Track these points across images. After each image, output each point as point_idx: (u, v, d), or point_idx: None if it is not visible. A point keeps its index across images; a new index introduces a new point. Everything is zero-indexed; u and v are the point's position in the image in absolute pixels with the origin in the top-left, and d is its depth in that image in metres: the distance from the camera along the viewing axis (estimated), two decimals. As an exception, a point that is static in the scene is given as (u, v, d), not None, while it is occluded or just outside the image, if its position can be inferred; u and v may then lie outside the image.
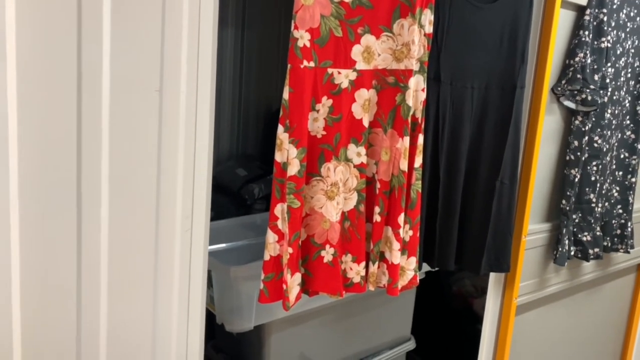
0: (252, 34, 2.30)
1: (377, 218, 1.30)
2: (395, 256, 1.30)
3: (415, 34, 1.25)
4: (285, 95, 1.19)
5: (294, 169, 1.20)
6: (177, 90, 0.98)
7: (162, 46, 0.96)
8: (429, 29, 1.29)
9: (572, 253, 1.82)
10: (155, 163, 0.97)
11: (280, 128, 1.20)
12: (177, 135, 0.99)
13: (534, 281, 1.79)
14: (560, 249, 1.76)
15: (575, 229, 1.81)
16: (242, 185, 2.09)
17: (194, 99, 1.01)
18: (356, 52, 1.23)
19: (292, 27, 1.17)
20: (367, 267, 1.32)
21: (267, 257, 1.23)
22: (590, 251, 1.83)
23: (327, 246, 1.26)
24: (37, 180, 0.87)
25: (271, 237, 1.22)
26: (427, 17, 1.28)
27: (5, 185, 0.84)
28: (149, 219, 0.97)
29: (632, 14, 1.78)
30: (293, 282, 1.22)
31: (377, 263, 1.31)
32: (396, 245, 1.29)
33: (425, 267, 1.55)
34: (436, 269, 1.56)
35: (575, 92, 1.69)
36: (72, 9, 0.86)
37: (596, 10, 1.67)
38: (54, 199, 0.88)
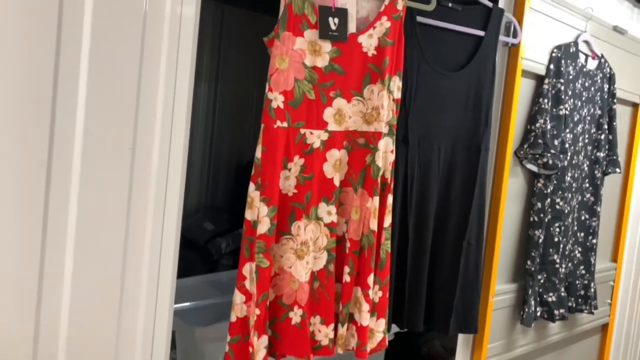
0: (225, 88, 2.35)
1: (346, 278, 1.29)
2: (365, 318, 1.28)
3: (385, 99, 1.30)
4: (258, 153, 1.20)
5: (264, 227, 1.19)
6: (150, 147, 0.98)
7: (138, 103, 0.97)
8: (398, 94, 1.35)
9: (539, 314, 1.84)
10: (124, 221, 0.95)
11: (251, 186, 1.21)
12: (148, 191, 0.98)
13: (502, 342, 1.79)
14: (526, 309, 1.78)
15: (540, 290, 1.84)
16: (209, 239, 2.06)
17: (167, 154, 1.01)
18: (328, 114, 1.27)
19: (267, 89, 1.20)
20: (335, 329, 1.30)
21: (233, 318, 1.19)
22: (556, 312, 1.85)
23: (296, 307, 1.24)
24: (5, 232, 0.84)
25: (238, 297, 1.20)
26: (396, 84, 1.33)
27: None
28: (115, 278, 0.95)
29: (586, 84, 1.90)
30: (260, 344, 1.19)
31: (346, 325, 1.29)
32: (365, 307, 1.28)
33: (394, 328, 1.54)
34: (405, 330, 1.55)
35: (537, 156, 1.77)
36: (49, 65, 0.86)
37: (554, 80, 1.77)
38: (19, 252, 0.85)
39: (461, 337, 1.70)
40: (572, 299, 1.95)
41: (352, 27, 1.28)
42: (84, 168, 0.91)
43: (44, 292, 0.89)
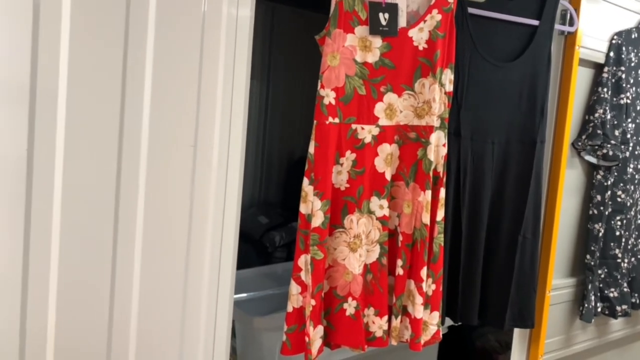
0: (276, 86, 2.40)
1: (399, 271, 1.30)
2: (418, 310, 1.29)
3: (436, 92, 1.30)
4: (311, 149, 1.23)
5: (318, 220, 1.22)
6: (211, 144, 1.03)
7: (198, 103, 1.02)
8: (449, 87, 1.34)
9: (599, 309, 1.78)
10: (187, 215, 1.01)
11: (305, 181, 1.24)
12: (209, 187, 1.04)
13: (560, 338, 1.74)
14: (586, 305, 1.73)
15: (601, 285, 1.78)
16: (263, 233, 2.12)
17: (226, 152, 1.06)
18: (379, 109, 1.28)
19: (319, 86, 1.23)
20: (389, 321, 1.32)
21: (290, 308, 1.23)
22: (618, 308, 1.78)
23: (350, 299, 1.27)
24: (77, 223, 0.91)
25: (294, 288, 1.24)
26: (447, 77, 1.33)
27: (48, 232, 0.88)
28: (179, 269, 1.01)
29: (650, 71, 1.81)
30: (315, 334, 1.22)
31: (399, 317, 1.31)
32: (419, 299, 1.29)
33: (448, 322, 1.54)
34: (459, 323, 1.54)
35: (596, 147, 1.71)
36: (117, 67, 0.93)
37: (614, 68, 1.71)
38: (91, 242, 0.92)
39: (517, 332, 1.67)
40: (636, 294, 1.87)
41: (402, 22, 1.28)
42: (150, 165, 0.98)
43: (116, 282, 0.96)
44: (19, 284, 0.87)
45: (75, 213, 0.91)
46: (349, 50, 1.23)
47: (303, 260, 1.23)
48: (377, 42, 1.26)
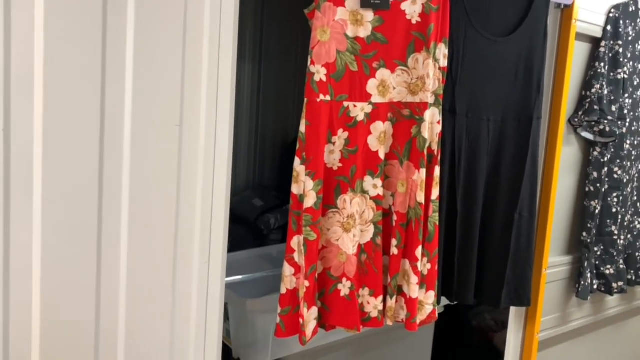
0: (269, 66, 2.35)
1: (394, 251, 1.28)
2: (414, 290, 1.28)
3: (430, 67, 1.26)
4: (302, 128, 1.20)
5: (310, 201, 1.20)
6: (197, 125, 1.00)
7: (183, 82, 0.98)
8: (444, 62, 1.31)
9: (595, 287, 1.77)
10: (174, 195, 0.98)
11: (297, 160, 1.21)
12: (196, 168, 1.01)
13: (556, 316, 1.74)
14: (582, 282, 1.72)
15: (597, 262, 1.77)
16: (258, 215, 2.10)
17: (213, 132, 1.03)
18: (371, 85, 1.25)
19: (309, 63, 1.19)
20: (384, 301, 1.30)
21: (283, 290, 1.22)
22: (614, 285, 1.78)
23: (344, 279, 1.25)
24: (61, 209, 0.88)
25: (288, 270, 1.22)
26: (442, 51, 1.29)
27: (29, 217, 0.85)
28: (167, 252, 0.98)
29: (647, 45, 1.78)
30: (310, 316, 1.21)
31: (394, 297, 1.29)
32: (414, 279, 1.27)
33: (444, 301, 1.53)
34: (455, 302, 1.53)
35: (593, 123, 1.68)
36: (97, 49, 0.89)
37: (611, 42, 1.67)
38: (76, 226, 0.90)
39: (513, 310, 1.67)
40: (632, 271, 1.87)
41: (394, -5, 1.24)
42: (134, 146, 0.94)
43: (102, 266, 0.93)
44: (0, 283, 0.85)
45: (57, 197, 0.88)
46: (339, 24, 1.20)
47: (296, 242, 1.21)
48: (369, 15, 1.22)
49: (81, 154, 0.89)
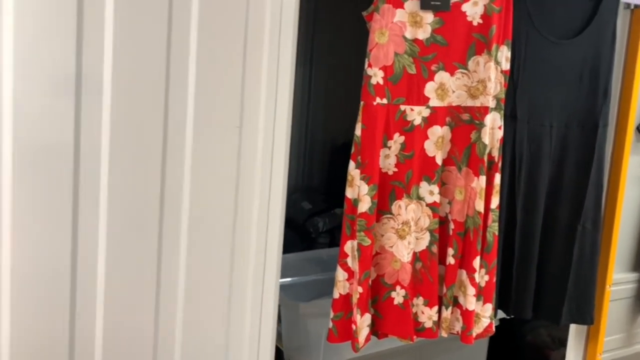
0: (319, 69, 2.36)
1: (450, 260, 1.24)
2: (470, 302, 1.23)
3: (492, 70, 1.22)
4: (358, 131, 1.18)
5: (365, 205, 1.18)
6: (256, 126, 1.00)
7: (243, 84, 0.99)
8: (506, 65, 1.26)
9: (665, 306, 1.66)
10: (233, 196, 0.99)
11: (351, 164, 1.20)
12: (254, 169, 1.01)
13: (620, 336, 1.64)
14: (650, 301, 1.62)
15: (667, 280, 1.66)
16: (307, 218, 2.10)
17: (271, 134, 1.03)
18: (430, 89, 1.22)
19: (366, 65, 1.18)
20: (439, 311, 1.26)
21: (336, 295, 1.20)
22: (686, 305, 1.66)
23: (398, 287, 1.22)
24: (124, 209, 0.90)
25: (341, 274, 1.20)
26: (504, 54, 1.25)
27: (96, 216, 0.87)
28: (225, 252, 0.99)
29: None
30: (363, 322, 1.18)
31: (450, 308, 1.25)
32: (471, 291, 1.22)
33: (500, 314, 1.46)
34: (511, 316, 1.47)
35: (664, 131, 1.58)
36: (161, 54, 0.91)
37: (686, 46, 1.57)
38: (137, 227, 0.91)
39: (573, 328, 1.58)
40: None
41: (455, -4, 1.21)
42: (195, 146, 0.96)
43: (162, 266, 0.94)
44: (68, 282, 0.87)
45: (122, 198, 0.90)
46: (398, 26, 1.17)
47: (350, 246, 1.19)
48: (429, 17, 1.19)
49: (145, 155, 0.92)
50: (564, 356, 1.64)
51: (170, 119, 0.93)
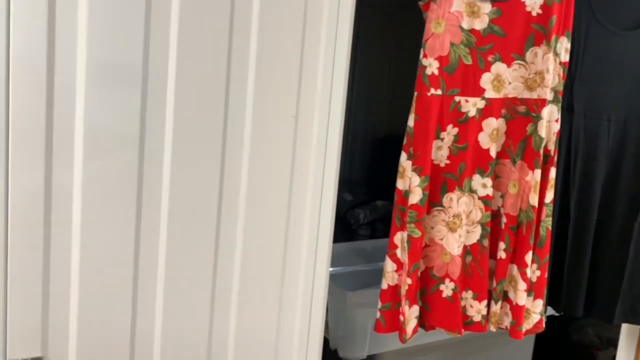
0: (362, 60, 2.34)
1: (501, 255, 1.23)
2: (521, 297, 1.21)
3: (550, 62, 1.19)
4: (411, 122, 1.18)
5: (415, 197, 1.17)
6: (312, 117, 1.01)
7: (300, 75, 1.00)
8: (565, 57, 1.22)
9: None
10: (288, 183, 1.00)
11: (403, 155, 1.19)
12: (309, 158, 1.02)
13: (674, 338, 1.58)
14: None
15: None
16: (347, 210, 2.10)
17: (326, 124, 1.04)
18: (485, 80, 1.20)
19: (421, 55, 1.17)
20: (488, 305, 1.25)
21: (384, 285, 1.20)
22: None
23: (447, 280, 1.21)
24: (185, 200, 0.93)
25: (390, 265, 1.20)
26: (563, 45, 1.21)
27: (158, 207, 0.91)
28: (279, 239, 1.01)
29: None
30: (411, 314, 1.19)
31: (499, 303, 1.24)
32: (522, 286, 1.21)
33: (549, 311, 1.44)
34: (561, 313, 1.44)
35: None
36: (223, 45, 0.93)
37: None
38: (196, 214, 0.94)
39: (625, 328, 1.54)
40: None
41: (515, -15, 1.18)
42: (253, 134, 0.97)
43: (219, 249, 0.97)
44: (130, 282, 0.90)
45: (183, 187, 0.93)
46: (454, 16, 1.16)
47: (399, 238, 1.19)
48: (486, 7, 1.16)
49: (206, 144, 0.94)
50: (612, 357, 1.60)
51: (230, 108, 0.95)
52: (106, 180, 0.88)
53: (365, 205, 2.11)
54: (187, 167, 0.92)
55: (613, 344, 1.61)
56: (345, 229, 2.08)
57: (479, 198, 1.23)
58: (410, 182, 1.18)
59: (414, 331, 1.21)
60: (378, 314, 1.20)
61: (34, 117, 0.82)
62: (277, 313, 1.02)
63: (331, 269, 1.53)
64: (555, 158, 1.24)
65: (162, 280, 0.93)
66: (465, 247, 1.23)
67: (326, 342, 1.43)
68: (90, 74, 0.84)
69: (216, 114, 0.94)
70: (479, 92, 1.20)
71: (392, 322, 1.20)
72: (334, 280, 1.45)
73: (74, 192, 0.85)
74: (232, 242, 0.97)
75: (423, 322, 1.24)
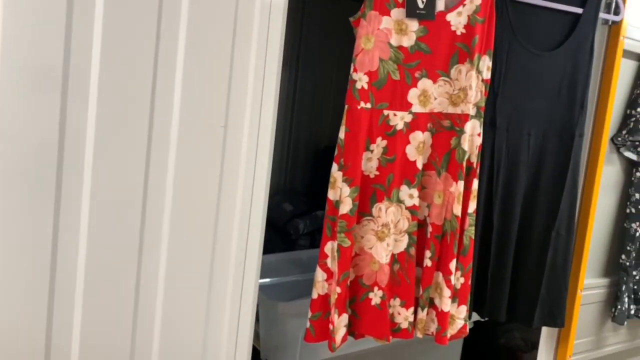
0: (305, 73, 2.37)
1: (427, 262, 1.27)
2: (446, 303, 1.26)
3: (473, 79, 1.25)
4: (341, 134, 1.21)
5: (346, 207, 1.20)
6: (241, 126, 1.02)
7: (230, 84, 1.00)
8: (487, 74, 1.29)
9: (632, 312, 1.71)
10: (216, 193, 1.00)
11: (334, 166, 1.22)
12: (238, 168, 1.02)
13: (590, 339, 1.69)
14: (619, 306, 1.67)
15: (635, 287, 1.71)
16: (288, 220, 2.10)
17: (256, 134, 1.04)
18: (412, 95, 1.24)
19: (352, 70, 1.20)
20: (415, 312, 1.29)
21: (315, 295, 1.22)
22: (653, 311, 1.72)
23: (376, 288, 1.24)
24: (106, 205, 0.91)
25: (320, 275, 1.22)
26: (486, 63, 1.28)
27: (78, 214, 0.88)
28: (206, 249, 1.00)
29: (698, 65, 1.72)
30: (340, 322, 1.21)
31: (426, 309, 1.28)
32: (447, 292, 1.26)
33: (475, 317, 1.50)
34: (486, 319, 1.50)
35: (637, 143, 1.63)
36: (149, 52, 0.91)
37: (660, 61, 1.63)
38: (118, 225, 0.92)
39: (545, 331, 1.63)
40: (672, 298, 1.80)
41: (440, 5, 1.24)
42: (180, 144, 0.97)
43: (143, 263, 0.95)
44: (47, 278, 0.87)
45: (104, 195, 0.90)
46: (384, 33, 1.20)
47: (330, 247, 1.21)
48: (414, 25, 1.22)
49: (130, 151, 0.92)
50: (535, 358, 1.69)
51: (156, 116, 0.93)
52: (23, 188, 0.84)
53: (306, 216, 2.12)
54: (109, 177, 0.90)
55: (536, 346, 1.70)
56: (285, 239, 2.08)
57: (406, 208, 1.27)
58: (341, 192, 1.20)
59: (343, 339, 1.23)
60: (308, 324, 1.21)
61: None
62: (204, 324, 1.01)
63: (265, 280, 1.54)
64: (478, 170, 1.30)
65: (80, 289, 0.90)
66: (393, 255, 1.27)
67: (257, 352, 1.42)
68: (6, 76, 0.80)
69: (141, 121, 0.92)
70: (406, 106, 1.24)
71: (321, 331, 1.21)
72: (268, 290, 1.46)
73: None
74: (157, 254, 0.95)
75: (352, 330, 1.26)
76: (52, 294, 0.88)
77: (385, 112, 1.23)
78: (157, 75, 0.93)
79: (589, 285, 1.64)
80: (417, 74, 1.24)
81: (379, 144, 1.23)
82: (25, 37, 0.81)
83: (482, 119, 1.30)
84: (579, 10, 1.43)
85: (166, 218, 0.95)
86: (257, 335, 1.41)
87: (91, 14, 0.86)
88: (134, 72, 0.91)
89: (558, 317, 1.48)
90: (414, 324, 1.29)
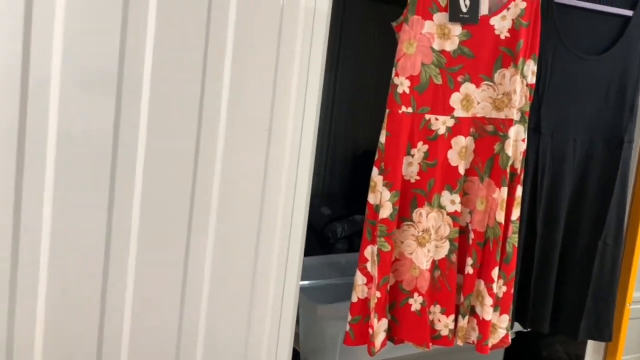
0: (344, 76, 2.39)
1: (469, 270, 1.25)
2: (487, 312, 1.23)
3: (517, 83, 1.23)
4: (382, 138, 1.21)
5: (386, 211, 1.20)
6: (285, 129, 1.03)
7: (274, 90, 1.02)
8: (532, 79, 1.27)
9: (685, 327, 1.64)
10: (259, 195, 1.02)
11: (374, 170, 1.22)
12: (281, 170, 1.04)
13: (638, 355, 1.62)
14: (671, 321, 1.60)
15: (689, 301, 1.63)
16: (325, 223, 2.11)
17: (298, 138, 1.06)
18: (455, 99, 1.23)
19: (393, 74, 1.20)
20: (456, 320, 1.27)
21: (354, 299, 1.22)
22: None
23: (416, 294, 1.23)
24: (155, 205, 0.94)
25: (360, 279, 1.21)
26: (530, 68, 1.26)
27: (129, 216, 0.91)
28: (249, 251, 1.02)
29: None
30: (379, 327, 1.20)
31: (467, 317, 1.26)
32: (488, 301, 1.23)
33: (517, 327, 1.46)
34: (528, 329, 1.46)
35: (690, 150, 1.57)
36: (199, 58, 0.95)
37: None
38: (167, 225, 0.95)
39: (590, 345, 1.57)
40: None
41: (484, 9, 1.23)
42: (226, 147, 0.99)
43: (189, 261, 0.97)
44: (100, 280, 0.90)
45: (154, 195, 0.93)
46: (426, 37, 1.19)
47: (369, 251, 1.21)
48: (457, 29, 1.21)
49: (178, 156, 0.95)
50: (580, 373, 1.63)
51: (204, 119, 0.96)
52: (78, 189, 0.88)
53: (344, 220, 2.12)
54: (160, 179, 0.93)
55: (581, 360, 1.64)
56: (323, 242, 2.09)
57: (448, 214, 1.25)
58: (381, 196, 1.20)
59: (383, 344, 1.22)
60: (347, 327, 1.21)
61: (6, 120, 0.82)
62: (246, 324, 1.03)
63: (304, 282, 1.54)
64: (522, 176, 1.28)
65: (130, 290, 0.93)
66: (434, 261, 1.25)
67: (297, 353, 1.43)
68: (67, 80, 0.84)
69: (189, 125, 0.95)
70: (448, 110, 1.23)
71: (361, 335, 1.21)
72: (306, 293, 1.46)
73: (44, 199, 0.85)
74: (202, 255, 0.98)
75: (392, 335, 1.25)
76: (105, 297, 0.91)
77: (427, 116, 1.22)
78: (205, 80, 0.96)
79: (638, 298, 1.57)
80: (459, 78, 1.23)
81: (420, 148, 1.23)
82: (84, 43, 0.85)
83: (526, 124, 1.28)
84: (629, 13, 1.39)
85: (212, 219, 0.98)
86: (297, 337, 1.42)
87: (144, 23, 0.89)
88: (183, 77, 0.94)
89: (605, 330, 1.43)
90: (454, 332, 1.27)
